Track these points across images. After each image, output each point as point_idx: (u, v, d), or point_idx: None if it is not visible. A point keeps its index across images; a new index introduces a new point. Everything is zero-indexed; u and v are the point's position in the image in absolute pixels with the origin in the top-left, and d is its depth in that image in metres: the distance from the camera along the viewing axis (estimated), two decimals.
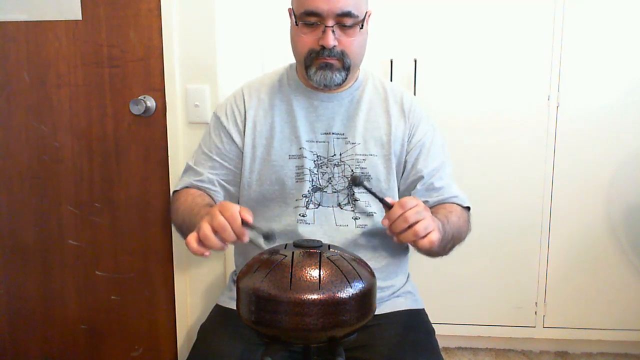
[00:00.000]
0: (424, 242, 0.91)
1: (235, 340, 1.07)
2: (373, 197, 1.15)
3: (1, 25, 1.60)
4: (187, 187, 1.22)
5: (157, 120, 1.59)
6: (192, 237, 0.90)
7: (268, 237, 0.89)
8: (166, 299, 1.68)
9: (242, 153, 1.20)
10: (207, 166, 1.21)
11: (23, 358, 1.76)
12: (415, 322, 1.17)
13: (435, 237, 0.91)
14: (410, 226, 0.91)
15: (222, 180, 1.21)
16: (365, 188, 0.98)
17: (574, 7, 1.78)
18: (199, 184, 1.20)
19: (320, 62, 1.09)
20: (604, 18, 1.79)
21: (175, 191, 1.24)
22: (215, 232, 0.89)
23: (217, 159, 1.21)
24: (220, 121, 1.22)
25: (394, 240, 0.95)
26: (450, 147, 1.26)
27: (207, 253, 0.90)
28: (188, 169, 1.25)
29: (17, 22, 1.59)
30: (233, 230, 0.88)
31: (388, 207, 0.94)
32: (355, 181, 0.99)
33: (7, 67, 1.62)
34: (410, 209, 0.91)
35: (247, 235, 0.90)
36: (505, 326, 1.96)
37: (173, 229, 1.61)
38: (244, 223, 0.89)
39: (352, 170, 1.16)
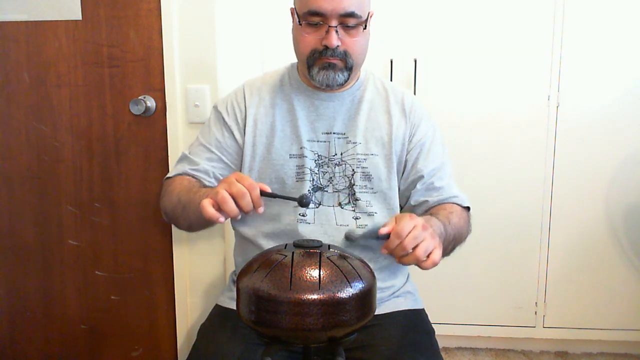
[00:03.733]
0: (427, 265, 0.89)
1: (235, 340, 1.07)
2: (374, 197, 1.16)
3: (1, 25, 1.60)
4: (180, 174, 1.20)
5: (157, 120, 1.59)
6: (208, 202, 0.89)
7: (302, 202, 0.87)
8: (166, 299, 1.68)
9: (241, 150, 1.20)
10: (204, 157, 1.20)
11: (23, 358, 1.76)
12: (415, 322, 1.17)
13: (437, 256, 0.89)
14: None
15: (218, 173, 1.20)
16: (359, 238, 0.96)
17: (574, 7, 1.78)
18: (194, 172, 1.18)
19: (323, 62, 1.09)
20: (604, 18, 1.79)
21: (167, 177, 1.23)
22: (233, 198, 0.88)
23: (216, 151, 1.20)
24: (221, 115, 1.22)
25: (396, 262, 0.93)
26: (450, 147, 1.27)
27: (221, 219, 0.90)
28: (183, 158, 1.23)
29: (17, 22, 1.59)
30: (251, 199, 0.88)
31: (385, 237, 0.91)
32: (349, 238, 0.98)
33: (7, 67, 1.62)
34: (407, 235, 0.88)
35: (263, 206, 0.90)
36: (505, 326, 1.96)
37: (173, 228, 1.61)
38: (263, 193, 0.89)
39: (352, 171, 1.16)
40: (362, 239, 0.96)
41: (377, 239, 0.93)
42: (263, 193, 0.89)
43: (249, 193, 0.88)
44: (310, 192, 1.16)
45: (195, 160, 1.20)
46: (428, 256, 0.89)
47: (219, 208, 0.90)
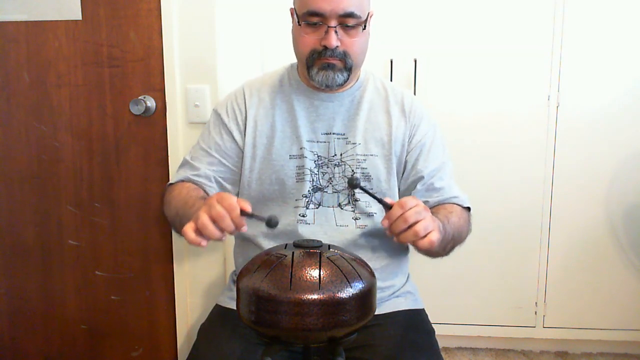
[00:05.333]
0: (424, 242, 0.90)
1: (235, 340, 1.07)
2: (373, 197, 1.16)
3: (1, 25, 1.60)
4: (182, 180, 1.20)
5: (157, 120, 1.59)
6: (190, 227, 0.89)
7: (270, 222, 0.86)
8: (166, 299, 1.68)
9: (242, 152, 1.20)
10: (205, 162, 1.20)
11: (23, 358, 1.76)
12: (415, 322, 1.16)
13: (435, 237, 0.91)
14: (410, 226, 0.90)
15: (219, 177, 1.20)
16: (363, 189, 0.97)
17: (574, 7, 1.78)
18: (195, 178, 1.19)
19: (323, 63, 1.09)
20: (604, 18, 1.79)
21: (169, 184, 1.23)
22: (213, 221, 0.88)
23: (216, 155, 1.20)
24: (221, 118, 1.22)
25: (394, 240, 0.94)
26: (450, 147, 1.26)
27: (204, 243, 0.89)
28: (184, 164, 1.24)
29: (17, 22, 1.59)
30: (232, 220, 0.87)
31: (387, 207, 0.94)
32: (352, 183, 0.98)
33: (7, 67, 1.62)
34: (410, 209, 0.90)
35: (246, 225, 0.89)
36: (505, 326, 1.96)
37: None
38: (243, 213, 0.88)
39: (352, 171, 1.16)
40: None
41: (380, 201, 0.95)
42: (243, 213, 0.88)
43: (228, 215, 0.87)
44: (310, 193, 1.16)
45: (196, 165, 1.20)
46: (426, 235, 0.90)
47: (200, 232, 0.89)
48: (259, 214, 0.90)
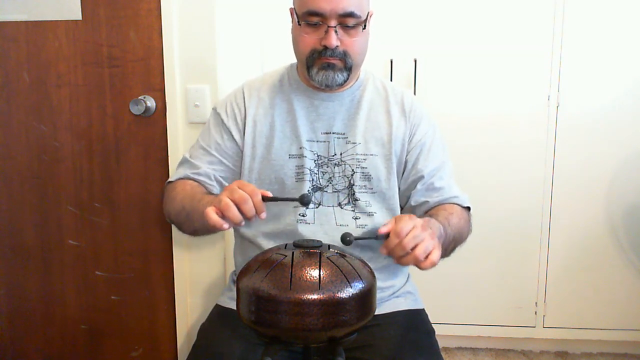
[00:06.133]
0: (426, 265, 0.89)
1: (235, 340, 1.07)
2: (373, 197, 1.16)
3: (1, 25, 1.60)
4: (182, 178, 1.19)
5: (157, 120, 1.59)
6: (211, 209, 0.90)
7: (303, 200, 0.89)
8: (166, 299, 1.68)
9: (242, 151, 1.20)
10: (204, 160, 1.20)
11: (23, 358, 1.76)
12: (415, 322, 1.16)
13: (436, 256, 0.90)
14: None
15: (219, 176, 1.20)
16: (358, 238, 0.95)
17: (574, 7, 1.78)
18: (195, 176, 1.18)
19: (323, 62, 1.09)
20: (604, 18, 1.79)
21: (169, 182, 1.22)
22: (235, 204, 0.89)
23: (216, 154, 1.20)
24: (220, 118, 1.22)
25: (394, 262, 0.93)
26: (450, 147, 1.26)
27: (226, 225, 0.90)
28: (184, 162, 1.23)
29: (17, 22, 1.59)
30: (253, 204, 0.89)
31: (384, 237, 0.92)
32: (345, 240, 0.97)
33: (7, 67, 1.62)
34: (406, 235, 0.88)
35: (265, 211, 0.91)
36: (505, 326, 1.96)
37: (173, 228, 1.61)
38: (265, 198, 0.91)
39: (352, 171, 1.16)
40: (359, 240, 0.96)
41: (376, 238, 0.93)
42: (265, 198, 0.91)
43: (250, 199, 0.89)
44: (309, 192, 1.16)
45: (196, 163, 1.20)
46: (427, 256, 0.89)
47: (222, 215, 0.90)
48: (282, 196, 0.93)
